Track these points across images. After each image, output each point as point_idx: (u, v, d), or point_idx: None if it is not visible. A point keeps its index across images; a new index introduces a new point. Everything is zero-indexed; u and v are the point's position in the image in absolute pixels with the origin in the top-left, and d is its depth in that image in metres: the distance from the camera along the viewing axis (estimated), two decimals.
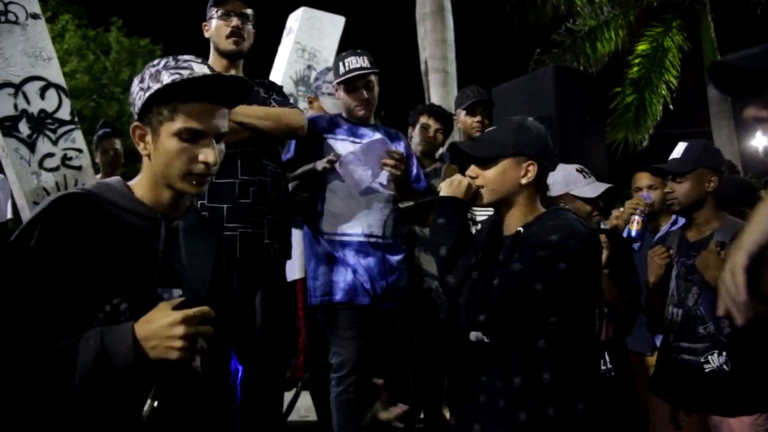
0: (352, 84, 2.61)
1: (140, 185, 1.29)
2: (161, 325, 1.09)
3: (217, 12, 2.34)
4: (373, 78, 2.64)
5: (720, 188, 2.16)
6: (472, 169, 1.65)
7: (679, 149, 2.22)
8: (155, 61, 1.26)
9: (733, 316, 1.04)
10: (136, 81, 1.27)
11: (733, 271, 1.04)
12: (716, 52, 10.10)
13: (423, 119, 3.23)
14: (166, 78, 1.20)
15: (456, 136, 3.99)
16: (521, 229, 1.59)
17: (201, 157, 1.22)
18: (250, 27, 2.38)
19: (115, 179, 1.31)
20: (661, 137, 10.84)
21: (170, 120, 1.21)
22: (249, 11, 2.36)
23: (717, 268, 1.95)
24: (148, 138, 1.25)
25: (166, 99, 1.21)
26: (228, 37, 2.33)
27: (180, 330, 1.08)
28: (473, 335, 1.63)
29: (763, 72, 1.04)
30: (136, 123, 1.26)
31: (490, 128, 1.77)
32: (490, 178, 1.62)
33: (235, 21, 2.32)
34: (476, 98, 3.22)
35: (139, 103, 1.24)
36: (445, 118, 3.30)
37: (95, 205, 1.20)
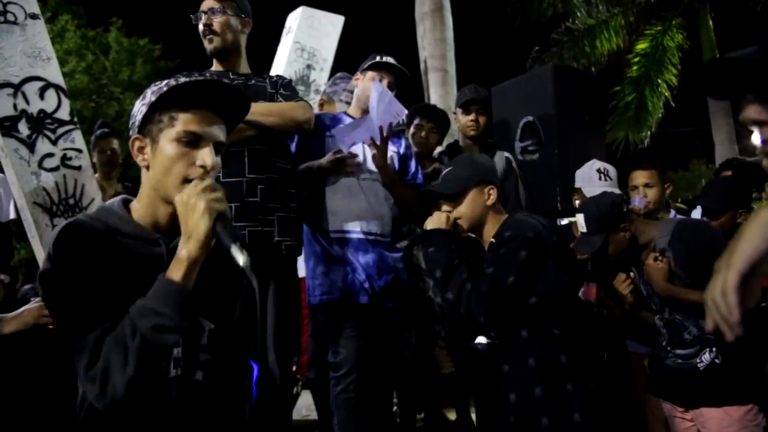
0: (381, 73, 2.66)
1: (139, 204, 1.31)
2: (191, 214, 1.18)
3: (194, 18, 2.37)
4: (394, 82, 2.69)
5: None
6: (446, 206, 1.97)
7: (580, 223, 2.26)
8: (158, 83, 1.31)
9: (723, 332, 1.03)
10: (138, 100, 1.31)
11: (725, 291, 1.01)
12: (715, 51, 10.09)
13: (416, 120, 3.22)
14: (165, 89, 1.24)
15: (456, 135, 3.99)
16: (493, 240, 1.89)
17: (198, 162, 1.23)
18: (223, 18, 2.33)
19: (116, 202, 1.32)
20: (662, 136, 10.84)
21: (170, 126, 1.24)
22: (216, 5, 2.33)
23: (661, 278, 2.04)
24: (147, 149, 1.27)
25: (165, 107, 1.25)
26: (204, 37, 2.35)
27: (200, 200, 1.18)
28: (478, 342, 1.92)
29: (764, 68, 1.02)
30: (135, 135, 1.29)
31: (447, 168, 2.04)
32: (463, 210, 1.95)
33: (203, 19, 2.33)
34: (471, 97, 3.22)
35: (139, 117, 1.27)
36: (438, 117, 3.29)
37: (96, 233, 1.21)
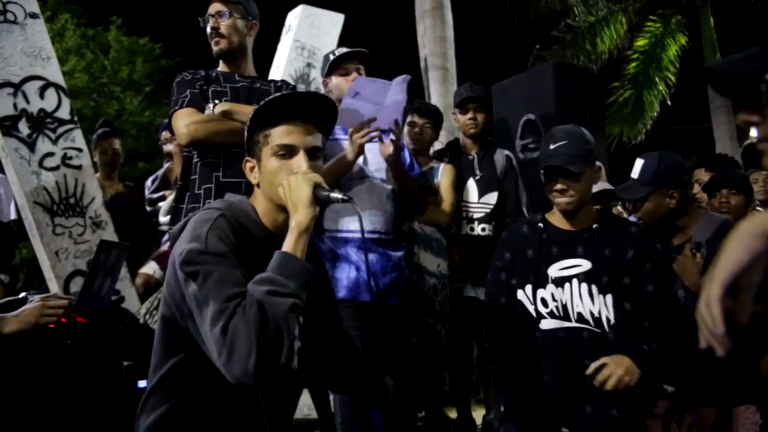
0: (343, 68, 2.63)
1: (260, 210, 1.45)
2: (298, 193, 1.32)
3: (203, 21, 2.39)
4: (362, 66, 2.64)
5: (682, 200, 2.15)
6: (563, 182, 1.90)
7: (636, 168, 2.21)
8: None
9: (713, 347, 1.02)
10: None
11: (708, 304, 1.00)
12: (716, 48, 10.07)
13: (408, 117, 3.21)
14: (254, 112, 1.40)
15: (456, 133, 3.98)
16: (596, 225, 1.93)
17: (295, 170, 1.37)
18: (231, 21, 2.35)
19: (245, 202, 1.46)
20: (662, 133, 10.83)
21: (266, 144, 1.40)
22: (223, 8, 2.34)
23: (694, 272, 2.00)
24: (256, 168, 1.44)
25: (259, 127, 1.41)
26: (210, 39, 2.37)
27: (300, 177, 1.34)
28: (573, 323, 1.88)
29: (749, 76, 1.02)
30: (246, 158, 1.47)
31: (561, 142, 1.94)
32: (582, 189, 1.91)
33: (211, 23, 2.35)
34: (467, 95, 3.21)
35: (245, 141, 1.45)
36: (429, 112, 3.27)
37: (235, 229, 1.35)
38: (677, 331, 1.82)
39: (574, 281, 1.89)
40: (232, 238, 1.30)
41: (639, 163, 2.19)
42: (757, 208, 2.86)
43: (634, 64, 10.04)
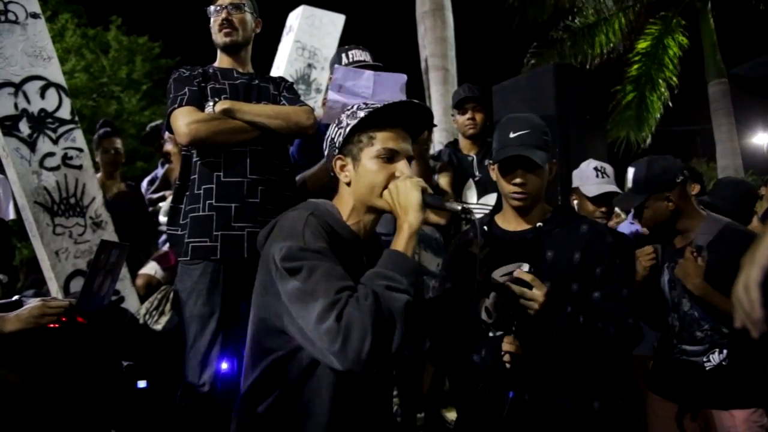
0: None
1: (344, 213, 1.50)
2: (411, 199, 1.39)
3: (210, 10, 2.37)
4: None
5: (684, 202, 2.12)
6: (522, 175, 1.73)
7: (628, 177, 2.20)
8: (349, 106, 1.52)
9: (749, 330, 1.03)
10: (332, 125, 1.52)
11: (747, 287, 1.01)
12: (716, 49, 10.09)
13: None
14: (362, 113, 1.44)
15: (457, 134, 3.99)
16: (541, 224, 1.76)
17: (398, 174, 1.44)
18: (243, 16, 2.35)
19: (330, 205, 1.51)
20: (662, 134, 10.84)
21: (369, 145, 1.45)
22: (237, 0, 2.34)
23: (696, 275, 1.97)
24: (349, 167, 1.48)
25: (364, 129, 1.45)
26: (219, 30, 2.34)
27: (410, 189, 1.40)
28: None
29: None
30: (337, 156, 1.49)
31: (523, 131, 1.74)
32: (539, 184, 1.76)
33: (224, 14, 2.33)
34: (464, 95, 3.21)
35: (340, 139, 1.47)
36: None
37: (325, 226, 1.42)
38: (615, 344, 1.65)
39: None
40: (324, 236, 1.37)
41: (630, 172, 2.17)
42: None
43: (636, 66, 10.07)
